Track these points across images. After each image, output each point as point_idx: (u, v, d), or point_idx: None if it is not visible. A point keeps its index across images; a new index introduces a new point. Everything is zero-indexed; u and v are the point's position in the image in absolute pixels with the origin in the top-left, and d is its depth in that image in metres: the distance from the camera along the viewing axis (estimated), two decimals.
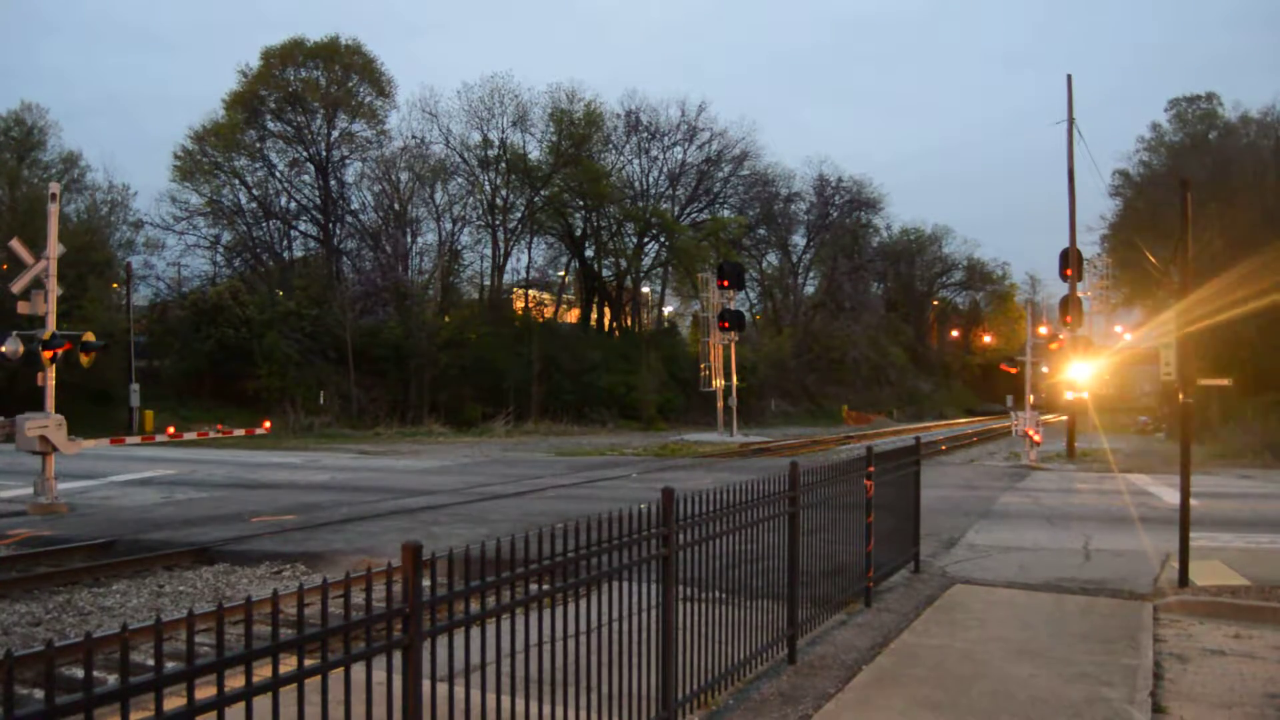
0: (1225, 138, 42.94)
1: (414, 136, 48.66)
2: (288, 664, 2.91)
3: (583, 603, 4.32)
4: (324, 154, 47.73)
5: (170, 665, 2.65)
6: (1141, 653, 6.58)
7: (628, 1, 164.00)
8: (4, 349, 14.54)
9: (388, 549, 10.62)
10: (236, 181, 47.08)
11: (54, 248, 15.05)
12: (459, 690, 3.55)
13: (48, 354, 14.84)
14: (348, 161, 48.83)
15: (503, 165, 49.02)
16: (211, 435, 22.76)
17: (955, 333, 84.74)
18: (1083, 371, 32.52)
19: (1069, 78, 28.65)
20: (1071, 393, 30.67)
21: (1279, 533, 12.25)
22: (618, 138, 54.54)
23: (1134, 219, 43.07)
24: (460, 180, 49.28)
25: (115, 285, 40.41)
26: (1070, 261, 27.89)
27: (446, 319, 46.46)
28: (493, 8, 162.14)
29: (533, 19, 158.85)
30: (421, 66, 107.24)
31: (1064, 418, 29.10)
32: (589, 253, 54.14)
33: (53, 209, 15.43)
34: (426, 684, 3.36)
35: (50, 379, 15.07)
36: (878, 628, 7.24)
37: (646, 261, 55.86)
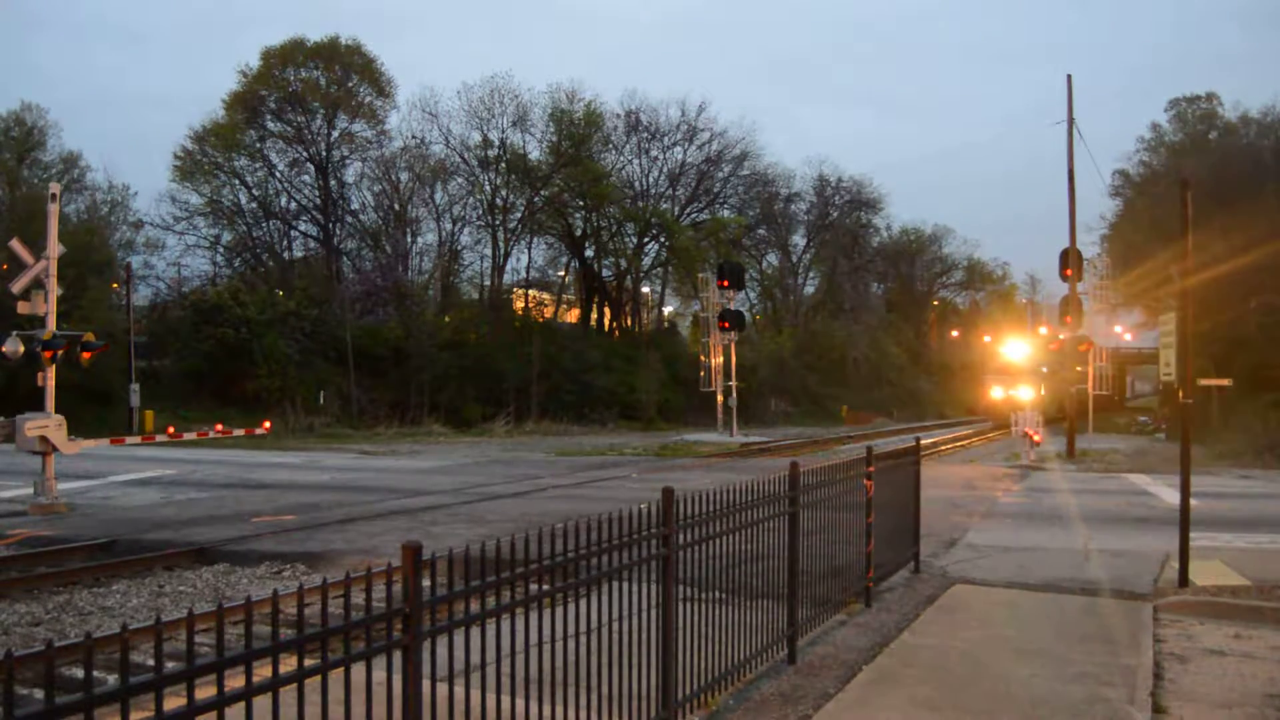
0: (1225, 138, 42.97)
1: (414, 136, 48.72)
2: (288, 664, 2.92)
3: (583, 603, 4.32)
4: (324, 154, 47.72)
5: (170, 665, 2.65)
6: (1141, 653, 6.58)
7: (628, 1, 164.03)
8: (4, 349, 14.54)
9: (388, 549, 10.62)
10: (236, 181, 47.10)
11: (54, 248, 15.05)
12: (459, 690, 3.55)
13: (48, 354, 14.84)
14: (348, 161, 48.87)
15: (503, 165, 49.00)
16: (211, 435, 22.75)
17: (955, 333, 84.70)
18: (1019, 352, 29.13)
19: (1069, 78, 28.67)
20: (1000, 389, 27.72)
21: (1279, 533, 12.25)
22: (618, 138, 54.56)
23: (1134, 219, 43.10)
24: (460, 180, 49.32)
25: (115, 285, 40.40)
26: (1070, 261, 27.87)
27: (446, 319, 46.46)
28: (491, 7, 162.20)
29: (531, 19, 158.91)
30: (420, 66, 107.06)
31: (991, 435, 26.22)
32: (589, 253, 54.12)
33: (53, 209, 15.43)
34: (426, 684, 3.36)
35: (50, 379, 15.07)
36: (878, 628, 7.24)
37: (646, 261, 55.87)
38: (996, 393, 34.68)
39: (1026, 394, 28.81)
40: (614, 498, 15.88)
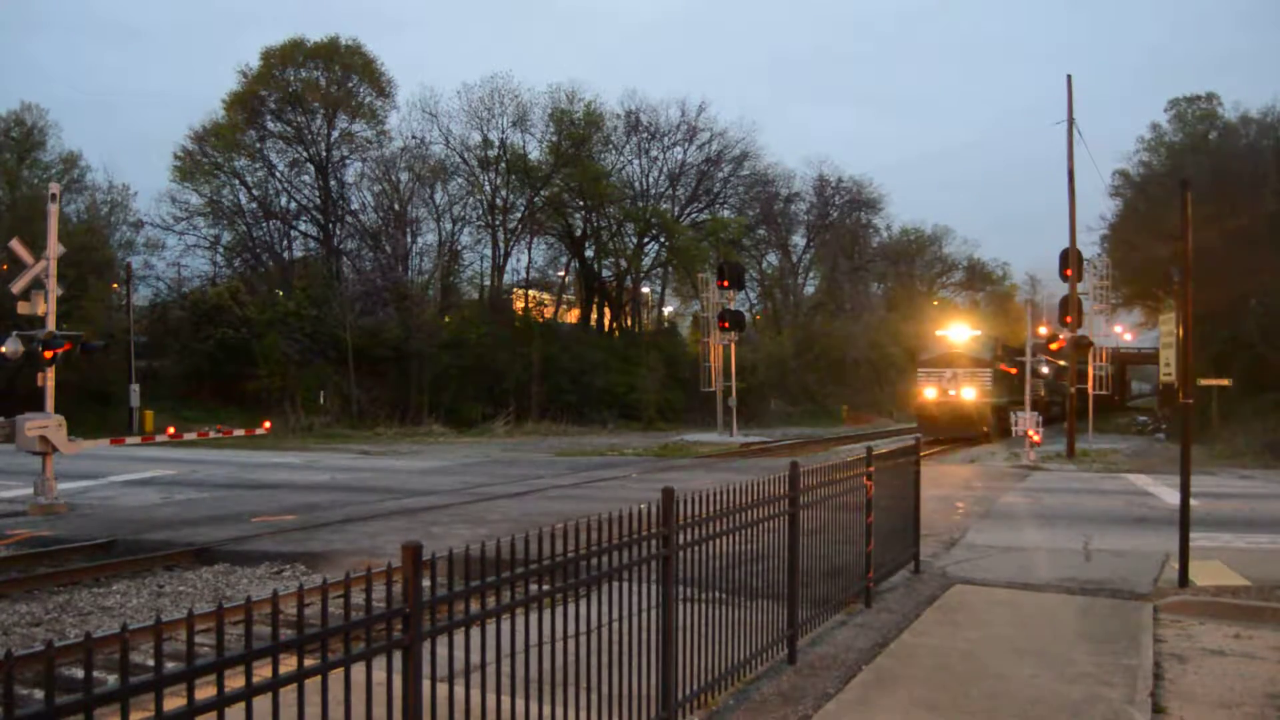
0: (1225, 138, 42.91)
1: (414, 136, 48.71)
2: (288, 664, 2.92)
3: (583, 603, 4.32)
4: (324, 154, 47.70)
5: (170, 665, 2.65)
6: (1141, 653, 6.58)
7: (627, 1, 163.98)
8: (4, 349, 14.55)
9: (388, 549, 10.62)
10: (236, 182, 47.10)
11: (54, 248, 15.06)
12: (459, 690, 3.55)
13: (48, 354, 14.84)
14: (348, 162, 48.84)
15: (503, 165, 49.01)
16: (211, 435, 22.75)
17: None
18: (961, 334, 26.40)
19: (1069, 78, 28.66)
20: (934, 389, 24.02)
21: (1279, 533, 12.25)
22: (618, 138, 54.47)
23: (1134, 219, 43.05)
24: (460, 180, 49.31)
25: (115, 285, 40.41)
26: (1070, 262, 27.84)
27: (446, 319, 46.46)
28: (491, 7, 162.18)
29: (531, 19, 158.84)
30: (420, 66, 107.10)
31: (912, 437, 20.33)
32: (589, 253, 54.10)
33: (53, 209, 15.44)
34: (426, 684, 3.36)
35: (50, 379, 15.08)
36: (878, 628, 7.24)
37: (646, 261, 55.82)
38: (928, 393, 27.96)
39: (970, 394, 25.55)
40: (614, 498, 15.88)
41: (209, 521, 13.21)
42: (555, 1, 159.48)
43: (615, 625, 4.46)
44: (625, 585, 4.53)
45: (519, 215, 50.18)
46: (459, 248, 49.96)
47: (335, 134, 48.02)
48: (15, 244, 15.21)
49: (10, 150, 42.33)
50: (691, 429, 41.55)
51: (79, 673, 6.27)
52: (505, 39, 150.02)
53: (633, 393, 46.39)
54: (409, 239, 48.33)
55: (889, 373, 66.06)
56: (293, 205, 48.79)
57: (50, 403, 15.02)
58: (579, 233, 52.94)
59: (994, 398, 30.71)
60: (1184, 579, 8.78)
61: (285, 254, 49.08)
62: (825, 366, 60.72)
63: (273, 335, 39.22)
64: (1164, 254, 33.42)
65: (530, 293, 53.44)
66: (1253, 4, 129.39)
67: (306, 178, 48.60)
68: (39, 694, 5.86)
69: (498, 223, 49.68)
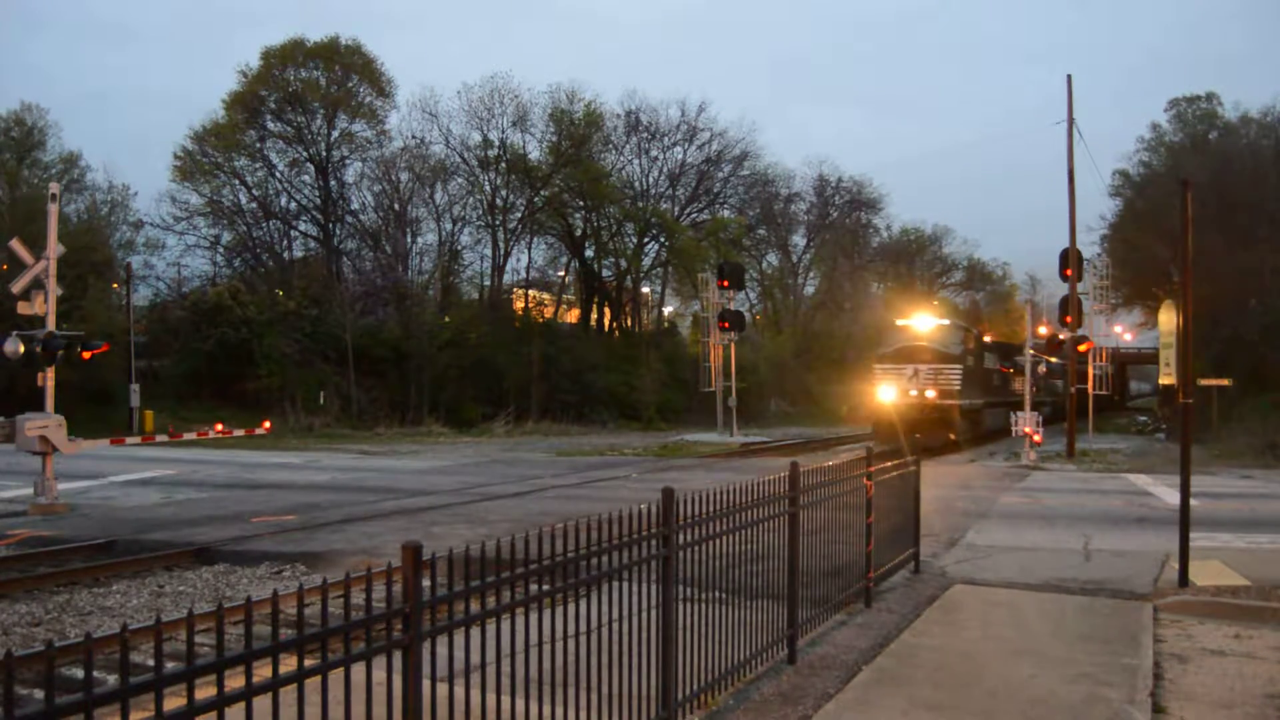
0: (1225, 138, 42.92)
1: (414, 136, 48.70)
2: (288, 664, 2.92)
3: (583, 603, 4.32)
4: (324, 154, 47.70)
5: (170, 665, 2.65)
6: (1141, 653, 6.58)
7: (628, 1, 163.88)
8: (4, 349, 14.56)
9: (388, 549, 10.62)
10: (236, 182, 47.10)
11: (54, 248, 15.06)
12: (459, 690, 3.55)
13: (47, 354, 14.84)
14: (348, 161, 48.83)
15: (503, 165, 49.01)
16: (211, 435, 22.74)
17: None
18: (925, 325, 23.30)
19: (1069, 78, 28.66)
20: (891, 387, 20.90)
21: (1279, 533, 12.25)
22: (618, 138, 54.48)
23: (1134, 219, 43.07)
24: (460, 180, 49.30)
25: (115, 285, 40.41)
26: (1070, 262, 27.82)
27: (446, 319, 46.45)
28: (491, 7, 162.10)
29: (531, 19, 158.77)
30: (420, 66, 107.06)
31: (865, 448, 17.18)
32: (589, 253, 54.11)
33: (52, 209, 15.44)
34: (426, 684, 3.36)
35: (50, 379, 15.08)
36: (878, 628, 7.24)
37: (646, 261, 55.81)
38: (886, 392, 24.55)
39: (935, 394, 23.14)
40: (614, 498, 15.88)
41: (209, 521, 13.22)
42: (555, 1, 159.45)
43: (615, 625, 4.46)
44: (625, 585, 4.53)
45: (519, 215, 50.18)
46: (459, 248, 50.01)
47: (335, 134, 48.05)
48: (15, 244, 15.22)
49: (10, 150, 42.34)
50: (691, 429, 41.53)
51: (79, 673, 6.28)
52: (505, 39, 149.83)
53: (633, 393, 46.40)
54: (409, 239, 48.35)
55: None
56: (293, 205, 48.83)
57: (50, 403, 15.02)
58: (579, 233, 52.95)
59: (964, 398, 27.16)
60: (1184, 579, 8.77)
61: (285, 254, 49.09)
62: (825, 366, 60.70)
63: (273, 335, 39.23)
64: (1164, 254, 33.47)
65: (530, 293, 53.45)
66: (1252, 4, 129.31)
67: (306, 178, 48.65)
68: (39, 694, 5.86)
69: (498, 223, 49.70)
